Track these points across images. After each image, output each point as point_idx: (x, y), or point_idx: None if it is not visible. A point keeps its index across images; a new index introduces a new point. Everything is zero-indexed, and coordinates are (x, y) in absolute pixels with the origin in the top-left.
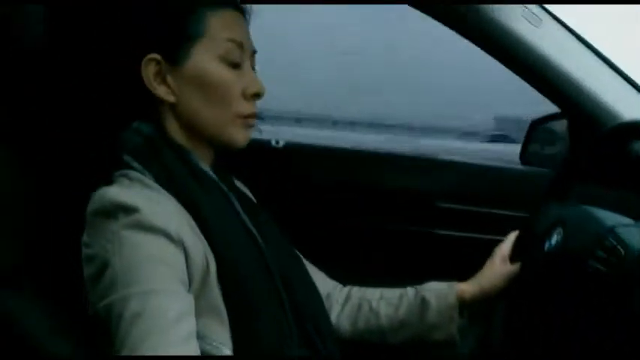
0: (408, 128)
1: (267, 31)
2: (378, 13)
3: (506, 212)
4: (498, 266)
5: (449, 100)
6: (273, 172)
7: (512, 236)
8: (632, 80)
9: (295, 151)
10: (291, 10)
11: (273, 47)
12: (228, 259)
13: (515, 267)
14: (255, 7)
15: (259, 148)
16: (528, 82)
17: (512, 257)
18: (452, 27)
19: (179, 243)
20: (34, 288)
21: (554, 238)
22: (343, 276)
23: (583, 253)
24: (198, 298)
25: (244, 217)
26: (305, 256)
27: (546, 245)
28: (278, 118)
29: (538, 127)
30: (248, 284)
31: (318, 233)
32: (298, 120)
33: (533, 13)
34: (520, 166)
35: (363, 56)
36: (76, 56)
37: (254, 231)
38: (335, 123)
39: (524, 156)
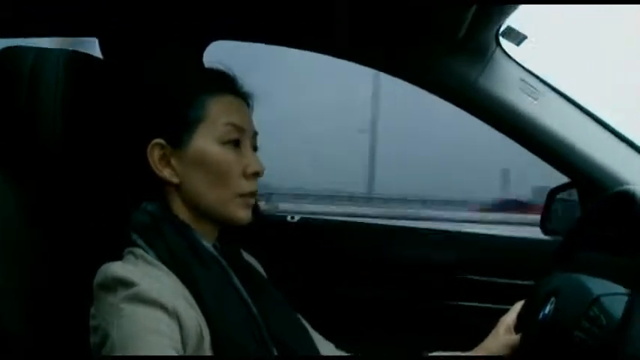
0: (444, 202)
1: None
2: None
3: (525, 282)
4: (502, 336)
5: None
6: (290, 246)
7: (518, 306)
8: (635, 144)
9: (310, 225)
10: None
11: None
12: (220, 328)
13: (518, 337)
14: (261, 91)
15: (276, 223)
16: (535, 154)
17: (517, 327)
18: (451, 101)
19: (174, 315)
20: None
21: (548, 308)
22: (355, 346)
23: (570, 324)
24: None
25: (240, 288)
26: (317, 327)
27: (541, 315)
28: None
29: (557, 195)
30: (239, 352)
31: (334, 304)
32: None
33: (532, 86)
34: (541, 236)
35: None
36: (90, 146)
37: (249, 302)
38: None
39: (544, 225)
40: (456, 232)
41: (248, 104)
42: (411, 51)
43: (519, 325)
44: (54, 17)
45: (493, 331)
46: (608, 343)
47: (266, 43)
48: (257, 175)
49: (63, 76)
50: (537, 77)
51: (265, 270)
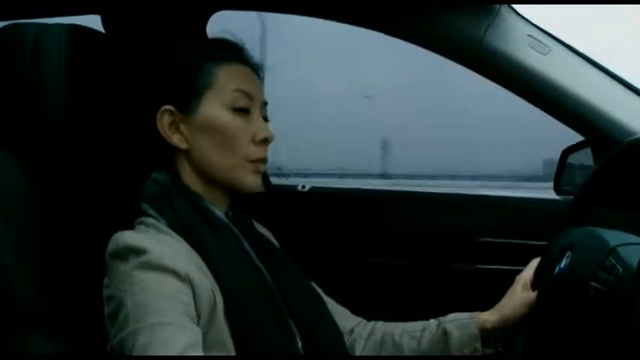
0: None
1: None
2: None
3: (538, 242)
4: (519, 293)
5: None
6: (301, 214)
7: (534, 263)
8: None
9: (322, 194)
10: None
11: None
12: (234, 295)
13: (535, 294)
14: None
15: (287, 193)
16: (547, 112)
17: (534, 284)
18: (457, 60)
19: (187, 280)
20: (58, 330)
21: (563, 262)
22: (371, 313)
23: (586, 275)
24: (205, 333)
25: (253, 256)
26: (331, 293)
27: (556, 270)
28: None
29: (569, 155)
30: (254, 320)
31: (348, 273)
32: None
33: (540, 42)
34: (554, 196)
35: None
36: (97, 119)
37: (263, 269)
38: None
39: (557, 186)
40: (471, 195)
41: (258, 74)
42: (410, 8)
43: (536, 282)
44: None
45: (510, 290)
46: (625, 292)
47: (269, 11)
48: (266, 141)
49: (65, 51)
50: (546, 32)
51: (277, 240)
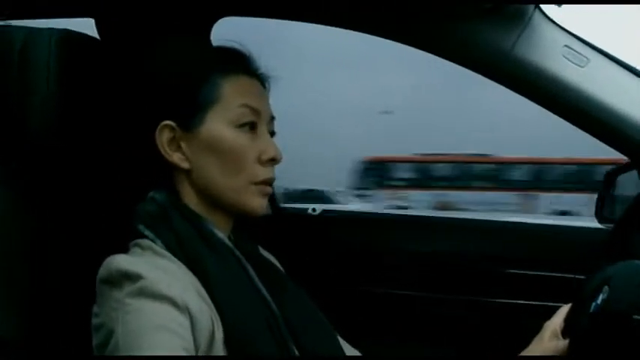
0: None
1: None
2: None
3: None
4: (547, 343)
5: None
6: (310, 240)
7: (564, 309)
8: None
9: (333, 218)
10: None
11: None
12: (235, 324)
13: (566, 342)
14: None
15: (295, 216)
16: (585, 131)
17: (565, 331)
18: (483, 73)
19: (184, 310)
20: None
21: (600, 298)
22: (380, 347)
23: (628, 308)
24: None
25: (258, 284)
26: (340, 326)
27: (592, 307)
28: None
29: (614, 179)
30: (258, 354)
31: (358, 303)
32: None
33: (578, 52)
34: (596, 224)
35: None
36: (89, 133)
37: (268, 298)
38: None
39: (600, 213)
40: (494, 220)
41: (264, 86)
42: (430, 16)
43: (567, 329)
44: None
45: (536, 338)
46: None
47: (277, 18)
48: (274, 161)
49: (56, 58)
50: (584, 41)
51: (283, 267)
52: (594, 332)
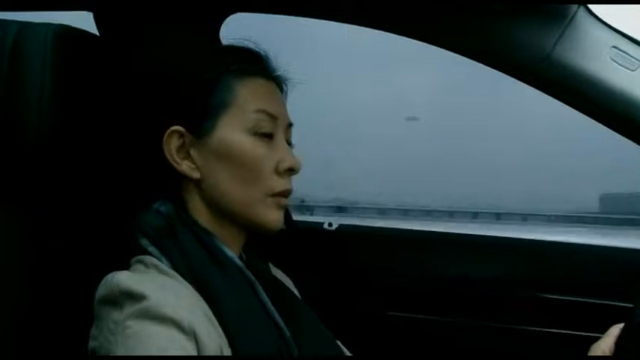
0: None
1: None
2: None
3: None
4: None
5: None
6: (326, 257)
7: (614, 330)
8: None
9: (352, 234)
10: None
11: None
12: (245, 351)
13: None
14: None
15: (311, 231)
16: (634, 141)
17: (616, 355)
18: (520, 78)
19: (191, 334)
20: None
21: None
22: None
23: None
24: None
25: (271, 309)
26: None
27: None
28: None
29: None
30: None
31: (377, 327)
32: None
33: (628, 54)
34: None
35: None
36: (87, 139)
37: (281, 324)
38: None
39: None
40: (529, 240)
41: (282, 89)
42: (462, 15)
43: (618, 353)
44: None
45: None
46: None
47: (291, 15)
48: (292, 171)
49: (51, 55)
50: (636, 42)
51: (297, 286)
52: None
